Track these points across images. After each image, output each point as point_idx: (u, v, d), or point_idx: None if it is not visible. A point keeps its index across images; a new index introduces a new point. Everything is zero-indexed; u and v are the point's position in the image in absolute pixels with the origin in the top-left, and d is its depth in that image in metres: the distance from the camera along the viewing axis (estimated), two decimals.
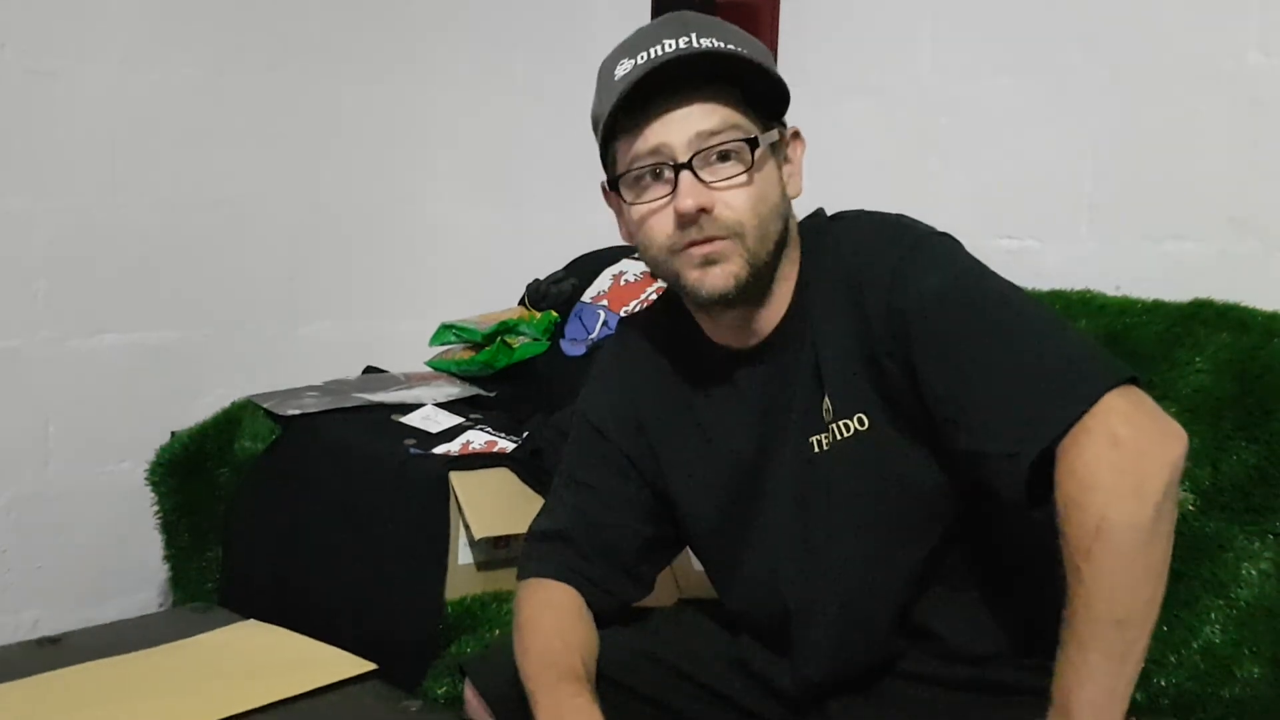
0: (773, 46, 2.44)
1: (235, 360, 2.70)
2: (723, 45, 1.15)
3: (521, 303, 2.60)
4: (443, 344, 2.56)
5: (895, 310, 1.14)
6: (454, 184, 3.10)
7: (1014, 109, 2.11)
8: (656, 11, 2.60)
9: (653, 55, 1.14)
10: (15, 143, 2.38)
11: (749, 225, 1.16)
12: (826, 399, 1.20)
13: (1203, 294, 1.79)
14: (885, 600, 1.22)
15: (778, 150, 1.22)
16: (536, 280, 2.60)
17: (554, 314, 2.50)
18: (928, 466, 1.17)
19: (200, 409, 2.44)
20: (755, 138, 1.16)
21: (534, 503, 1.97)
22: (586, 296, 2.49)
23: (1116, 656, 0.98)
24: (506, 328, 2.48)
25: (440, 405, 2.32)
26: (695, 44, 1.14)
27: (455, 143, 3.09)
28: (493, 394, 2.46)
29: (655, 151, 1.16)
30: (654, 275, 1.27)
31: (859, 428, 1.18)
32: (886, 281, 1.15)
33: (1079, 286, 1.88)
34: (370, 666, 1.90)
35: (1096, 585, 0.98)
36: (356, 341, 2.88)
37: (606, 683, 1.27)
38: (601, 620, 1.33)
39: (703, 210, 1.15)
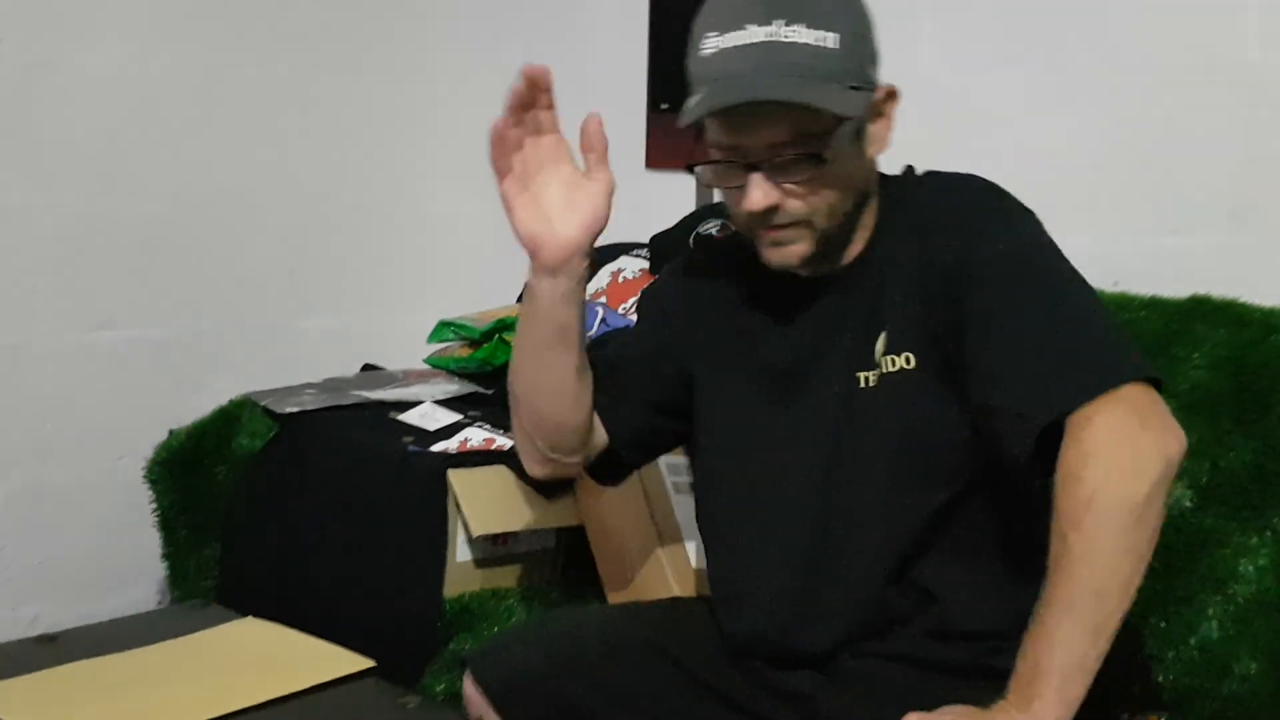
0: None
1: (233, 355, 2.69)
2: (805, 35, 1.15)
3: (520, 299, 2.60)
4: (441, 341, 2.56)
5: (961, 259, 1.19)
6: (453, 179, 3.09)
7: (1013, 102, 2.11)
8: (656, 4, 2.59)
9: (733, 44, 1.17)
10: (13, 137, 2.38)
11: (818, 213, 1.22)
12: (883, 336, 1.25)
13: (1201, 288, 1.79)
14: (893, 543, 1.24)
15: (863, 122, 1.24)
16: None
17: None
18: (960, 419, 1.20)
19: (199, 404, 2.44)
20: (822, 154, 1.18)
21: (533, 499, 1.98)
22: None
23: (1091, 628, 1.02)
24: (505, 325, 2.47)
25: (438, 402, 2.32)
26: (778, 35, 1.15)
27: (454, 137, 3.07)
28: (491, 391, 2.45)
29: (731, 149, 1.21)
30: None
31: (905, 366, 1.24)
32: (962, 234, 1.21)
33: None
34: (368, 663, 1.90)
35: (1082, 554, 1.03)
36: (355, 337, 2.87)
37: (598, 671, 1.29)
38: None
39: (770, 209, 1.21)
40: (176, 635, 2.06)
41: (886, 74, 1.26)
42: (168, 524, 2.36)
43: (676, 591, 1.77)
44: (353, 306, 2.93)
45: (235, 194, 2.71)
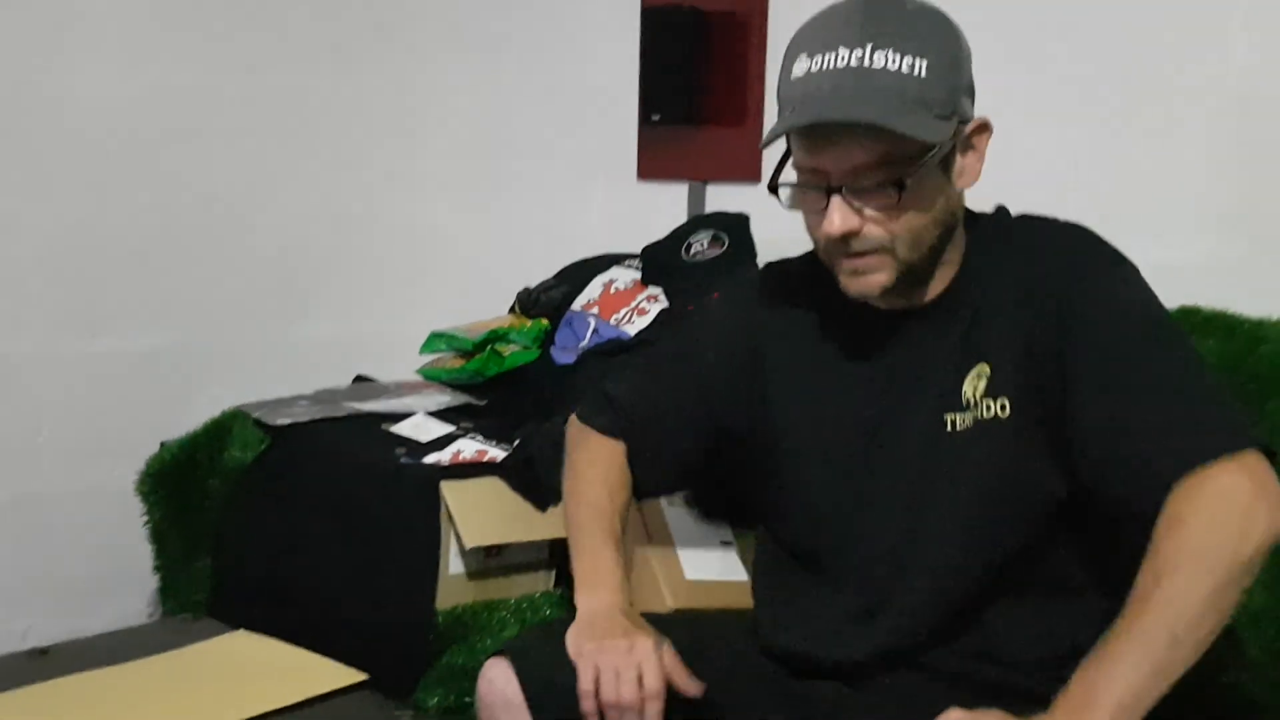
0: (761, 59, 2.45)
1: (226, 366, 2.69)
2: (895, 61, 1.14)
3: (512, 310, 2.60)
4: (433, 352, 2.56)
5: (1072, 311, 1.17)
6: (446, 190, 3.10)
7: (1001, 112, 2.11)
8: (647, 18, 2.60)
9: (824, 66, 1.15)
10: (7, 145, 2.37)
11: (900, 241, 1.19)
12: (983, 378, 1.22)
13: (1190, 298, 1.80)
14: (959, 585, 1.23)
15: (950, 153, 1.20)
16: (527, 288, 2.60)
17: (545, 322, 2.50)
18: (1049, 470, 1.19)
19: (191, 415, 2.43)
20: (904, 181, 1.16)
21: (525, 512, 1.98)
22: (577, 304, 2.49)
23: (1157, 669, 1.01)
24: (497, 336, 2.48)
25: (431, 414, 2.32)
26: (867, 61, 1.14)
27: (448, 149, 3.09)
28: (483, 402, 2.46)
29: (813, 171, 1.19)
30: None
31: (1000, 414, 1.21)
32: (1073, 284, 1.19)
33: None
34: (361, 676, 1.90)
35: (1171, 598, 1.02)
36: (347, 348, 2.87)
37: None
38: None
39: (849, 234, 1.18)
40: (168, 649, 2.06)
41: None
42: (159, 536, 2.36)
43: (670, 603, 1.77)
44: (345, 318, 2.93)
45: (227, 204, 2.71)
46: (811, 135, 1.17)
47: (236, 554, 2.30)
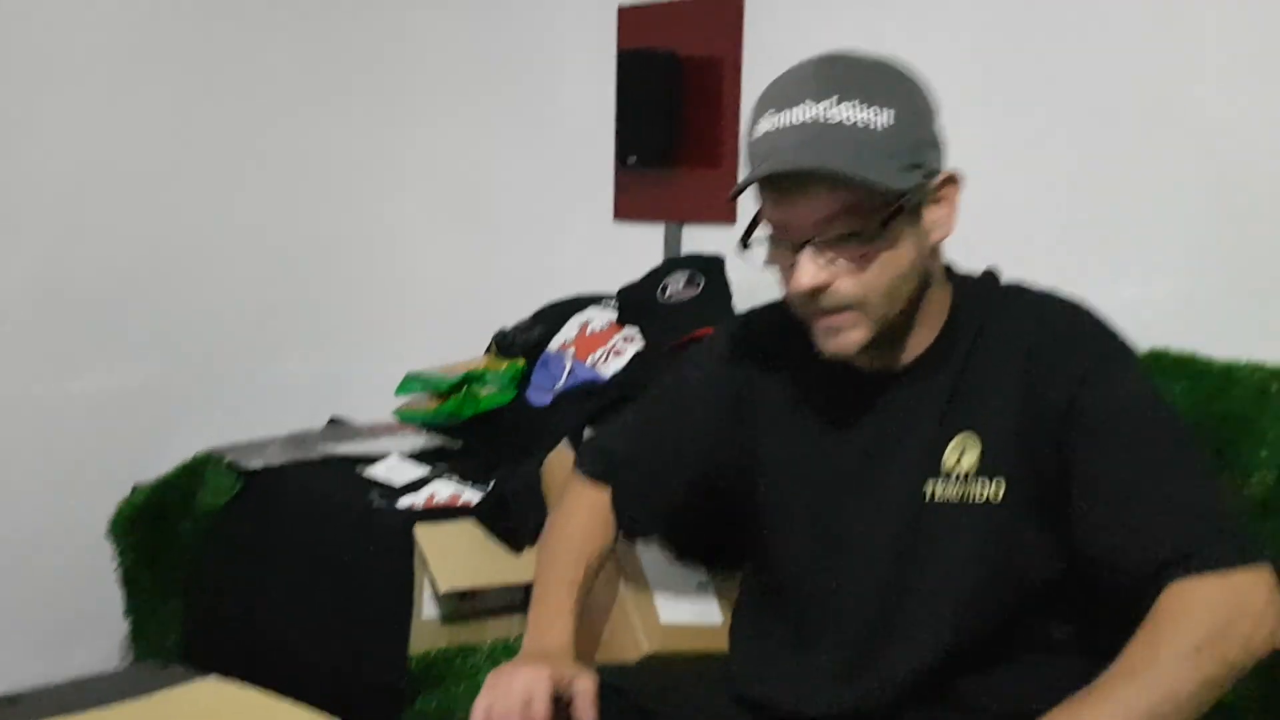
0: (735, 102, 2.47)
1: (199, 407, 2.68)
2: (860, 113, 1.14)
3: (488, 351, 2.60)
4: (409, 393, 2.55)
5: (1079, 403, 1.16)
6: (422, 231, 3.11)
7: (973, 153, 2.13)
8: (623, 61, 2.62)
9: (786, 123, 1.15)
10: None
11: (871, 296, 1.18)
12: (962, 451, 1.21)
13: (1160, 339, 1.81)
14: (945, 659, 1.22)
15: (920, 205, 1.20)
16: (503, 329, 2.60)
17: (521, 363, 2.50)
18: (1044, 552, 1.19)
19: (164, 457, 2.42)
20: (868, 231, 1.16)
21: (500, 555, 1.97)
22: (553, 345, 2.49)
23: None
24: (473, 377, 2.47)
25: (406, 456, 2.31)
26: (826, 116, 1.14)
27: (425, 190, 3.09)
28: (459, 444, 2.45)
29: (779, 226, 1.19)
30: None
31: (993, 497, 1.20)
32: (1078, 374, 1.17)
33: None
34: None
35: (1164, 678, 1.02)
36: (322, 390, 2.86)
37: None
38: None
39: (819, 289, 1.17)
40: (138, 696, 2.03)
41: None
42: (130, 581, 2.34)
43: (645, 647, 1.76)
44: (320, 359, 2.92)
45: (201, 244, 2.71)
46: (777, 189, 1.17)
47: (208, 598, 2.28)
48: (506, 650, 1.94)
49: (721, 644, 1.46)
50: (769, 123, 1.17)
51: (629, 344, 2.36)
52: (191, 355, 2.71)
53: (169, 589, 2.33)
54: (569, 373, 2.39)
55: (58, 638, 2.49)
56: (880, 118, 1.14)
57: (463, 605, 1.96)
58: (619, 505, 1.44)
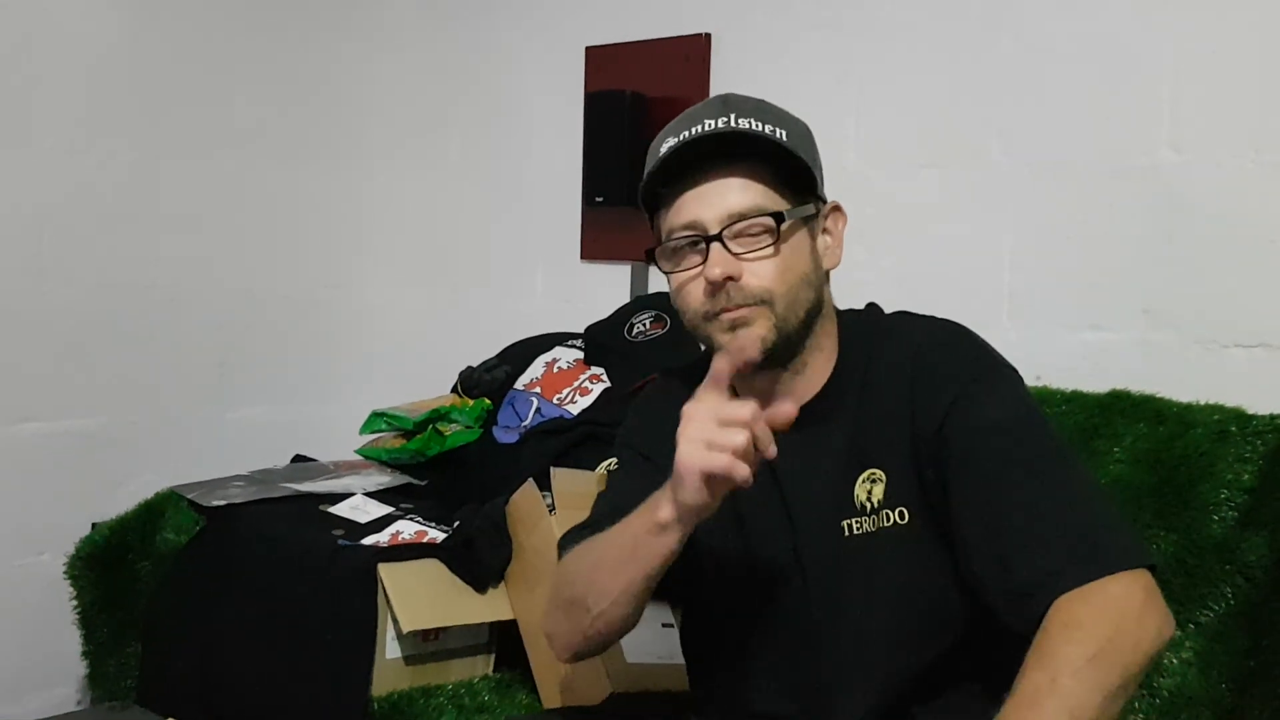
0: None
1: (160, 447, 2.65)
2: (758, 126, 1.21)
3: (454, 390, 2.59)
4: (373, 432, 2.54)
5: (946, 429, 1.19)
6: (385, 271, 3.11)
7: (937, 201, 2.17)
8: (590, 102, 2.65)
9: (692, 134, 1.22)
10: None
11: (776, 293, 1.22)
12: (870, 485, 1.23)
13: (1120, 382, 1.84)
14: (883, 693, 1.23)
15: (813, 223, 1.26)
16: (469, 367, 2.59)
17: (487, 401, 2.49)
18: (957, 582, 1.20)
19: (124, 497, 2.39)
20: (782, 214, 1.21)
21: (464, 594, 1.96)
22: (519, 383, 2.49)
23: None
24: (438, 415, 2.46)
25: (370, 494, 2.30)
26: (733, 124, 1.21)
27: (388, 230, 3.10)
28: (424, 482, 2.43)
29: (689, 225, 1.23)
30: (694, 338, 1.31)
31: (899, 521, 1.22)
32: (948, 399, 1.20)
33: None
34: None
35: (1069, 698, 1.01)
36: (285, 428, 2.84)
37: None
38: None
39: (730, 278, 1.21)
40: None
41: None
42: (88, 622, 2.30)
43: (610, 687, 1.75)
44: (283, 397, 2.90)
45: (163, 284, 2.70)
46: (684, 186, 1.22)
47: (167, 639, 2.24)
48: (470, 691, 1.92)
49: (685, 683, 1.46)
50: (674, 140, 1.24)
51: (596, 382, 2.36)
52: (154, 396, 2.69)
53: (127, 630, 2.29)
54: (536, 411, 2.39)
55: (14, 681, 2.45)
56: (778, 133, 1.22)
57: (426, 645, 1.94)
58: None
